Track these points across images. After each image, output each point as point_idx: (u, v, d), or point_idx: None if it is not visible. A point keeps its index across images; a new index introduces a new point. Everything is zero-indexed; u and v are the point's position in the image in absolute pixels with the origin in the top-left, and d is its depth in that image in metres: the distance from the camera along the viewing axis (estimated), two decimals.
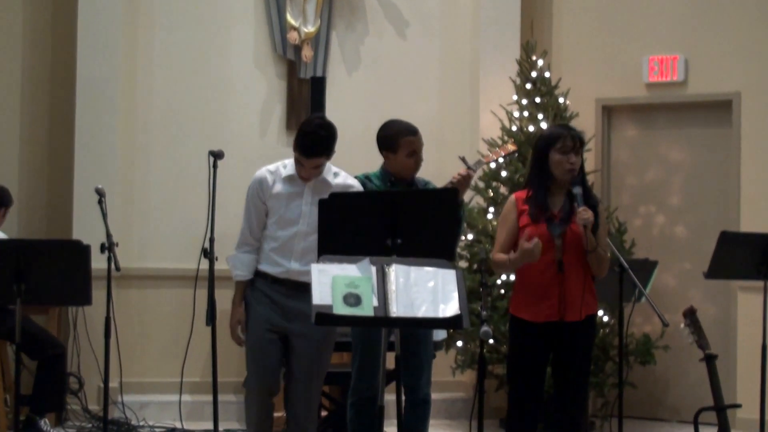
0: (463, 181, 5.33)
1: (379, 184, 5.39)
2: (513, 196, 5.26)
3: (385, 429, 4.49)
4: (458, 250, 7.37)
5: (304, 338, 5.14)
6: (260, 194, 5.19)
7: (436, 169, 6.98)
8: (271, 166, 5.26)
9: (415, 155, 5.36)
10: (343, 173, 5.29)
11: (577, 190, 5.11)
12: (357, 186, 5.26)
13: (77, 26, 7.90)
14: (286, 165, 5.23)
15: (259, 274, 5.23)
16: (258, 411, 5.23)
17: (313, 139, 5.06)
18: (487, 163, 5.99)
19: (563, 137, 5.14)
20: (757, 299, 6.23)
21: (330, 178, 5.21)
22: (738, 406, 6.57)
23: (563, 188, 5.19)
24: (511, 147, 5.94)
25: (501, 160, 7.03)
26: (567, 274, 5.08)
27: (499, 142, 7.80)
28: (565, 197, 5.19)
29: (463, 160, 5.54)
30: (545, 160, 5.17)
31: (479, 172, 5.83)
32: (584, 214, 5.01)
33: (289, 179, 5.19)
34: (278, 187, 5.18)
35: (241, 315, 5.20)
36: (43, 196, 8.21)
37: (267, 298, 5.18)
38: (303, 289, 4.98)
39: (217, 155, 5.38)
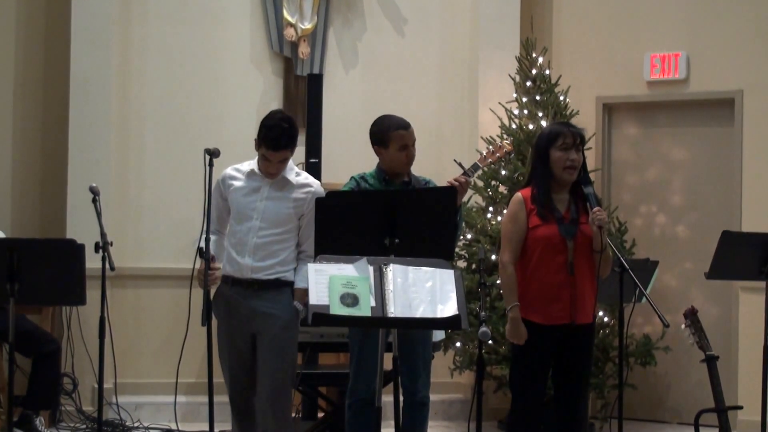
0: (461, 188, 5.26)
1: (373, 183, 5.34)
2: (519, 195, 5.19)
3: (382, 430, 4.45)
4: (457, 249, 7.31)
5: (266, 337, 5.21)
6: (221, 190, 5.34)
7: (434, 167, 6.95)
8: (238, 165, 5.39)
9: (406, 149, 5.31)
10: (304, 174, 5.39)
11: (589, 190, 5.08)
12: (317, 187, 5.31)
13: (71, 23, 7.84)
14: (251, 163, 5.33)
15: (222, 279, 5.34)
16: (235, 416, 5.40)
17: (279, 132, 5.12)
18: (484, 168, 5.93)
19: (563, 134, 5.12)
20: (759, 300, 6.18)
21: (291, 176, 5.28)
22: (739, 407, 6.55)
23: (566, 186, 5.15)
24: (507, 147, 5.86)
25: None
26: (577, 275, 5.04)
27: (498, 140, 7.75)
28: (570, 196, 5.15)
29: (460, 165, 5.47)
30: (546, 158, 5.13)
31: (478, 172, 5.76)
32: (599, 214, 4.99)
33: (250, 175, 5.29)
34: (239, 183, 5.29)
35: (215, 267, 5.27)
36: (36, 194, 8.16)
37: (229, 304, 5.27)
38: (258, 287, 5.19)
39: (212, 153, 5.33)
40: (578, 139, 5.14)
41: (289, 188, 5.23)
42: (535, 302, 5.06)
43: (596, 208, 5.02)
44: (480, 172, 5.95)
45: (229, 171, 5.36)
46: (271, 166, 5.19)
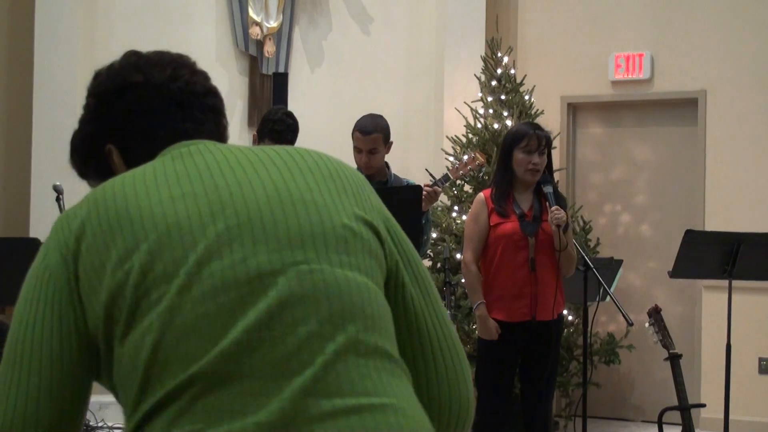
0: (429, 197, 5.23)
1: None
2: (482, 195, 5.21)
3: None
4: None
5: None
6: None
7: (399, 165, 6.90)
8: None
9: (360, 152, 5.27)
10: None
11: (549, 189, 5.10)
12: None
13: (35, 19, 7.78)
14: None
15: None
16: None
17: (284, 126, 5.25)
18: (455, 180, 5.92)
19: (528, 137, 5.13)
20: (722, 298, 6.22)
21: None
22: (702, 405, 6.57)
23: (530, 186, 5.16)
24: (480, 160, 5.81)
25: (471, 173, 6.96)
26: (539, 273, 5.06)
27: (464, 139, 7.75)
28: (534, 196, 5.17)
29: (431, 174, 5.46)
30: (509, 157, 5.15)
31: (447, 183, 5.73)
32: (557, 213, 5.01)
33: None
34: None
35: None
36: None
37: None
38: None
39: None
40: (543, 143, 5.16)
41: None
42: (499, 300, 5.09)
43: (554, 207, 5.03)
44: (448, 183, 5.93)
45: None
46: None
